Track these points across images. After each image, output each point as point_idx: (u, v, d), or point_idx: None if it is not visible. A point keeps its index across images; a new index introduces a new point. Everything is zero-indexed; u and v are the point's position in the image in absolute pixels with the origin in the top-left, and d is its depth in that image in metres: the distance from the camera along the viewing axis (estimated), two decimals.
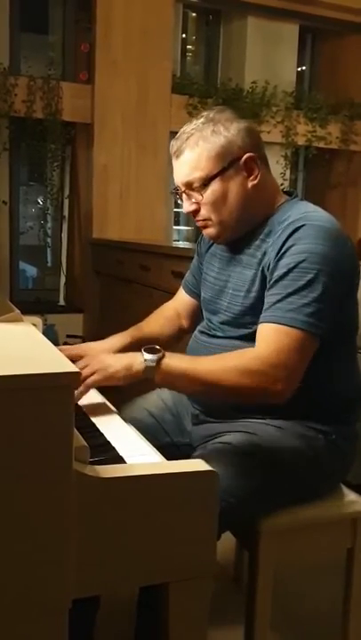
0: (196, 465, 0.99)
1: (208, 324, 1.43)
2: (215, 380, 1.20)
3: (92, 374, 1.26)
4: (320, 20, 4.48)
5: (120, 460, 1.06)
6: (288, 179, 4.47)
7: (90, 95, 3.84)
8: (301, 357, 1.19)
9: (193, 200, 1.34)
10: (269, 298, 1.24)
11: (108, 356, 1.33)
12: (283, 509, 1.28)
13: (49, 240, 4.14)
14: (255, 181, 1.32)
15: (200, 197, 1.32)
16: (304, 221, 1.25)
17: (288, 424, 1.29)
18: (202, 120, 1.32)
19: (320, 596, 1.83)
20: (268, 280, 1.26)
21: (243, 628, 1.31)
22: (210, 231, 1.37)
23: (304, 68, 4.97)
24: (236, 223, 1.34)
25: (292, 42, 4.55)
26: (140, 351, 1.24)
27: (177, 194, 1.39)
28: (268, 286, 1.26)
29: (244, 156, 1.30)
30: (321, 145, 4.54)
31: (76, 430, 0.90)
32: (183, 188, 1.35)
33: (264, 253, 1.30)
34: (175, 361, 1.23)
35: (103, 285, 3.88)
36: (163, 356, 1.23)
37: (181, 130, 1.34)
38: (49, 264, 4.38)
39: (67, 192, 4.17)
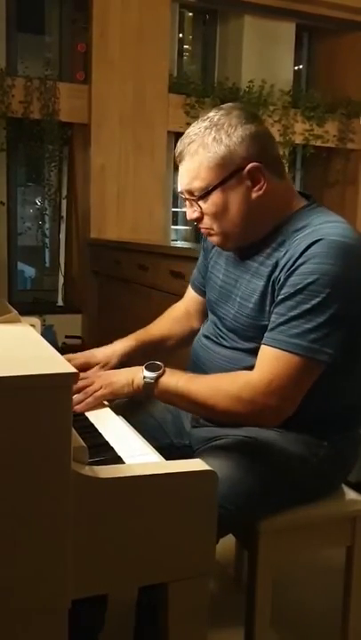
0: (195, 465, 0.99)
1: (214, 329, 1.38)
2: (207, 404, 1.21)
3: (100, 388, 1.30)
4: (317, 18, 4.49)
5: (119, 460, 1.06)
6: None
7: (87, 95, 3.84)
8: (298, 385, 1.16)
9: (195, 208, 1.28)
10: (274, 317, 1.18)
11: (113, 372, 1.36)
12: (283, 511, 1.27)
13: (47, 241, 4.14)
14: (260, 192, 1.23)
15: (200, 206, 1.26)
16: (320, 236, 1.16)
17: (290, 430, 1.26)
18: (206, 123, 1.23)
19: (320, 596, 1.83)
20: (275, 295, 1.21)
21: (243, 627, 1.31)
22: (214, 239, 1.32)
23: (301, 66, 4.98)
24: (240, 233, 1.27)
25: (289, 41, 4.56)
26: (143, 364, 1.27)
27: (183, 197, 1.33)
28: (274, 303, 1.20)
29: (248, 167, 1.21)
30: (318, 143, 4.55)
31: (74, 431, 0.90)
32: (186, 195, 1.29)
33: (276, 265, 1.22)
34: (173, 380, 1.24)
35: (101, 285, 3.88)
36: (162, 374, 1.24)
37: (186, 132, 1.26)
38: (47, 265, 4.38)
39: (64, 192, 4.17)
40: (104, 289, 3.84)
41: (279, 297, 1.19)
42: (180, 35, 4.56)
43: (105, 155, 3.86)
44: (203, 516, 0.96)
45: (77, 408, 1.28)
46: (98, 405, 1.34)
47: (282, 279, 1.19)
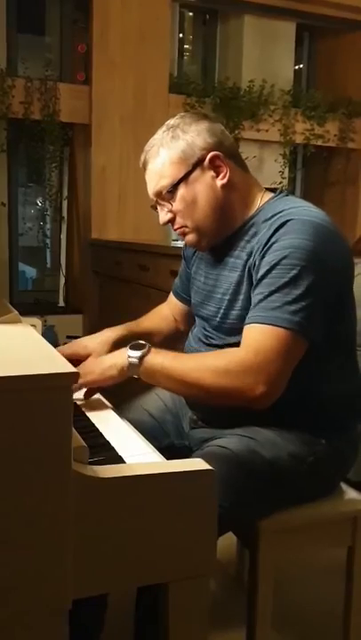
0: (196, 464, 0.99)
1: (203, 331, 1.40)
2: (192, 379, 1.19)
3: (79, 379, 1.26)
4: (317, 18, 4.48)
5: (119, 460, 1.06)
6: (287, 177, 4.47)
7: (87, 96, 3.84)
8: (285, 359, 1.15)
9: (166, 210, 1.32)
10: (254, 298, 1.20)
11: (94, 360, 1.35)
12: (282, 510, 1.27)
13: (48, 241, 4.14)
14: (224, 180, 1.28)
15: (171, 205, 1.31)
16: (290, 216, 1.20)
17: (288, 429, 1.27)
18: (163, 129, 1.31)
19: (321, 595, 1.83)
20: (253, 280, 1.23)
21: (244, 627, 1.31)
22: (189, 238, 1.34)
23: (301, 66, 4.97)
24: (213, 226, 1.31)
25: (290, 40, 4.55)
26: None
27: (155, 208, 1.37)
28: (253, 286, 1.22)
29: (208, 156, 1.27)
30: (319, 143, 4.54)
31: (74, 430, 0.90)
32: (156, 199, 1.34)
33: (250, 253, 1.25)
34: (158, 358, 1.23)
35: (102, 286, 3.88)
36: (147, 352, 1.23)
37: (148, 143, 1.33)
38: (48, 265, 4.38)
39: (65, 193, 4.17)
40: (105, 289, 3.84)
41: (257, 279, 1.21)
42: (181, 35, 4.56)
43: (106, 155, 3.86)
44: (203, 515, 0.96)
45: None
46: (98, 406, 1.34)
47: (257, 262, 1.22)
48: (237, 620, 1.42)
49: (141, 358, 1.23)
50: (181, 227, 1.33)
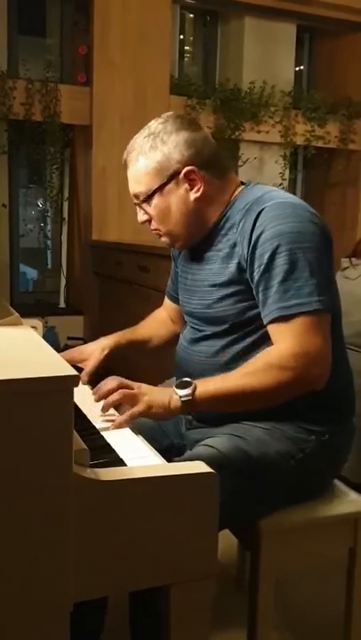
0: (197, 467, 0.99)
1: (193, 328, 1.42)
2: (255, 388, 1.19)
3: (137, 404, 1.24)
4: (317, 19, 4.48)
5: (120, 462, 1.06)
6: (287, 178, 4.47)
7: (88, 97, 3.84)
8: (322, 337, 1.19)
9: (143, 211, 1.37)
10: (263, 294, 1.23)
11: (155, 389, 1.29)
12: (277, 510, 1.27)
13: (49, 242, 4.15)
14: (198, 194, 1.31)
15: (146, 210, 1.36)
16: (262, 204, 1.24)
17: (278, 426, 1.28)
18: (145, 133, 1.33)
19: (322, 597, 1.83)
20: (248, 275, 1.25)
21: (245, 628, 1.31)
22: (164, 240, 1.41)
23: (302, 67, 4.97)
24: (185, 232, 1.36)
25: (290, 41, 4.55)
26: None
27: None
28: (253, 283, 1.25)
29: (183, 170, 1.30)
30: (320, 144, 4.54)
31: (75, 433, 0.90)
32: (134, 200, 1.38)
33: (233, 245, 1.29)
34: (209, 386, 1.22)
35: (103, 287, 3.88)
36: (195, 387, 1.22)
37: (131, 141, 1.35)
38: (49, 266, 4.39)
39: (66, 194, 4.17)
40: (105, 290, 3.84)
41: (255, 274, 1.23)
42: (181, 36, 4.56)
43: (106, 156, 3.86)
44: (204, 517, 0.96)
45: (113, 425, 1.23)
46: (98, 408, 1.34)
47: (248, 258, 1.24)
48: (238, 621, 1.42)
49: (193, 394, 1.21)
50: (156, 229, 1.39)
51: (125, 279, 3.42)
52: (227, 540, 1.26)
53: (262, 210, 1.24)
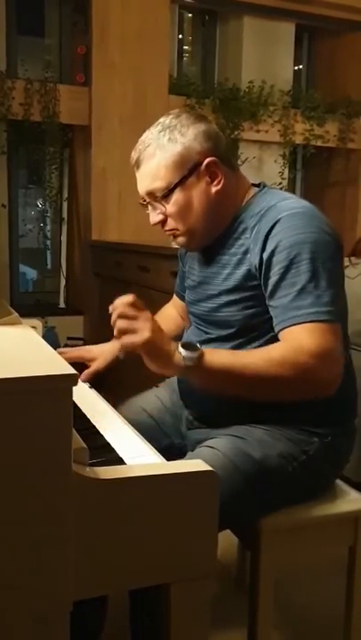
0: (196, 465, 0.99)
1: (198, 329, 1.40)
2: (260, 374, 1.13)
3: (137, 334, 1.12)
4: (316, 18, 4.48)
5: (120, 461, 1.06)
6: (286, 178, 4.47)
7: (87, 97, 3.84)
8: (338, 344, 1.17)
9: (158, 211, 1.32)
10: (279, 301, 1.19)
11: (160, 336, 1.15)
12: (278, 510, 1.27)
13: (48, 242, 4.14)
14: (219, 186, 1.28)
15: (164, 208, 1.30)
16: (279, 213, 1.22)
17: (281, 428, 1.27)
18: (158, 128, 1.30)
19: (323, 596, 1.83)
20: (262, 283, 1.23)
21: (245, 628, 1.31)
22: (180, 240, 1.35)
23: (301, 66, 4.97)
24: (204, 230, 1.31)
25: (289, 41, 4.55)
26: (177, 347, 1.13)
27: (143, 205, 1.36)
28: (268, 291, 1.22)
29: (205, 161, 1.26)
30: (319, 143, 4.54)
31: (75, 432, 0.90)
32: (147, 199, 1.33)
33: (245, 251, 1.26)
34: (217, 358, 1.14)
35: (103, 287, 3.88)
36: (202, 355, 1.13)
37: (140, 139, 1.32)
38: (49, 266, 4.38)
39: (65, 194, 4.17)
40: (105, 290, 3.84)
41: (271, 283, 1.20)
42: (180, 36, 4.56)
43: (106, 156, 3.86)
44: (204, 516, 0.96)
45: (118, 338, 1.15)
46: (98, 407, 1.33)
47: (263, 267, 1.21)
48: (238, 620, 1.42)
49: (199, 359, 1.12)
50: (172, 229, 1.33)
51: (125, 279, 3.42)
52: (227, 540, 1.26)
53: (279, 219, 1.21)
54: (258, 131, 4.28)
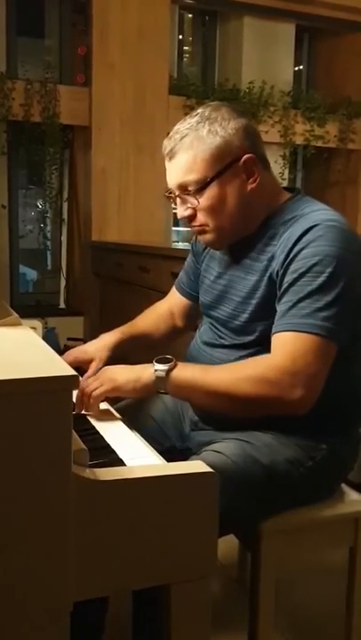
0: (196, 467, 0.98)
1: (212, 331, 1.37)
2: (228, 391, 1.15)
3: (100, 386, 1.26)
4: (316, 19, 4.49)
5: (120, 462, 1.06)
6: (287, 178, 4.48)
7: (87, 98, 3.85)
8: (320, 364, 1.13)
9: (188, 205, 1.26)
10: (282, 306, 1.17)
11: (119, 367, 1.30)
12: (280, 514, 1.27)
13: (48, 243, 4.15)
14: (254, 185, 1.24)
15: (196, 202, 1.24)
16: (313, 222, 1.17)
17: (287, 432, 1.25)
18: (197, 118, 1.23)
19: (323, 597, 1.82)
20: (277, 286, 1.20)
21: (246, 629, 1.31)
22: (207, 237, 1.30)
23: (301, 67, 4.98)
24: (234, 228, 1.27)
25: (289, 41, 4.56)
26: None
27: (170, 197, 1.30)
28: (278, 294, 1.19)
29: (243, 158, 1.22)
30: (319, 144, 4.55)
31: (75, 433, 0.90)
32: (177, 192, 1.27)
33: (271, 258, 1.22)
34: (186, 371, 1.19)
35: (103, 288, 3.88)
36: (173, 367, 1.19)
37: (174, 129, 1.25)
38: (49, 267, 4.39)
39: (65, 195, 4.18)
40: (106, 291, 3.84)
41: (283, 286, 1.18)
42: (180, 36, 4.57)
43: (106, 157, 3.87)
44: (204, 517, 0.96)
45: (77, 410, 1.27)
46: (98, 406, 1.33)
47: (281, 271, 1.19)
48: (239, 621, 1.42)
49: (169, 372, 1.19)
50: (201, 225, 1.28)
51: (125, 280, 3.42)
52: (227, 541, 1.26)
53: (311, 228, 1.16)
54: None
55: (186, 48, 4.67)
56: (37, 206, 4.24)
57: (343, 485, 1.40)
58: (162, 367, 1.19)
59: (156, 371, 1.19)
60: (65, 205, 4.19)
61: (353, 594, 1.38)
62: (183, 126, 1.24)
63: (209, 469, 0.97)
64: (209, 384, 1.17)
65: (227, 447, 1.21)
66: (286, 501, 1.26)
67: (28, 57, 3.94)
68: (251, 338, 1.26)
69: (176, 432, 1.45)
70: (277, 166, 4.41)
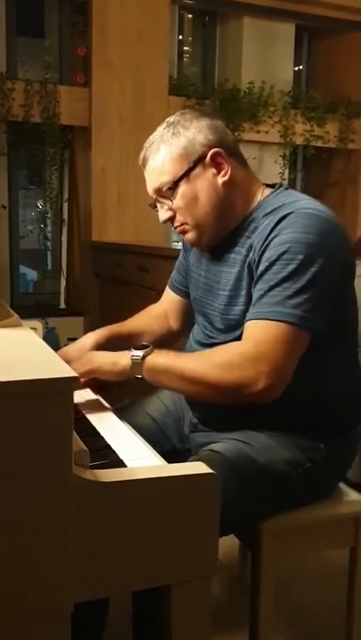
0: (196, 468, 0.99)
1: (204, 330, 1.39)
2: (195, 376, 1.19)
3: (80, 367, 1.30)
4: (316, 19, 4.48)
5: (121, 463, 1.06)
6: (287, 178, 4.47)
7: (87, 98, 3.84)
8: (288, 352, 1.14)
9: (166, 207, 1.31)
10: (255, 294, 1.20)
11: (100, 352, 1.37)
12: (280, 513, 1.27)
13: (49, 243, 4.14)
14: (225, 177, 1.27)
15: (171, 202, 1.29)
16: (290, 209, 1.19)
17: (286, 433, 1.26)
18: (163, 126, 1.30)
19: (324, 597, 1.82)
20: (253, 275, 1.22)
21: (247, 629, 1.31)
22: (189, 236, 1.33)
23: (301, 67, 4.97)
24: (213, 223, 1.29)
25: (289, 41, 4.55)
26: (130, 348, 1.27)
27: (154, 206, 1.36)
28: (254, 282, 1.22)
29: (210, 152, 1.26)
30: (319, 144, 4.54)
31: (75, 434, 0.90)
32: (155, 197, 1.33)
33: (250, 248, 1.25)
34: (160, 357, 1.23)
35: (103, 288, 3.88)
36: (149, 352, 1.24)
37: (146, 141, 1.32)
38: (49, 267, 4.39)
39: (66, 195, 4.18)
40: (106, 291, 3.84)
41: (257, 275, 1.20)
42: (180, 36, 4.56)
43: (106, 157, 3.87)
44: (204, 518, 0.96)
45: None
46: (99, 409, 1.33)
47: (256, 258, 1.21)
48: (240, 621, 1.42)
49: (144, 357, 1.23)
50: (182, 224, 1.32)
51: (125, 280, 3.42)
52: (228, 541, 1.26)
53: (287, 215, 1.19)
54: (258, 131, 4.29)
55: (186, 48, 4.67)
56: (37, 207, 4.24)
57: (343, 485, 1.41)
58: (138, 353, 1.24)
59: (132, 356, 1.24)
60: (65, 206, 4.18)
61: (354, 594, 1.38)
62: (153, 136, 1.31)
63: (210, 470, 0.97)
64: (180, 370, 1.21)
65: (224, 447, 1.22)
66: (285, 502, 1.26)
67: (27, 57, 3.94)
68: (236, 333, 1.27)
69: (176, 434, 1.45)
70: (277, 166, 4.40)
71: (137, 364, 1.24)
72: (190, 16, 4.63)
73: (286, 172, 4.47)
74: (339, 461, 1.32)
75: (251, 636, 1.30)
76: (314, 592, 1.86)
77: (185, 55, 4.67)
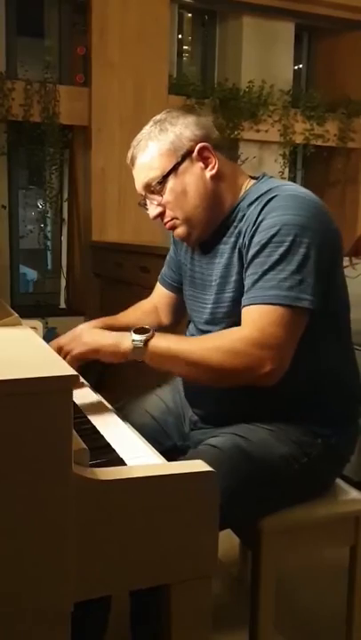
0: (196, 466, 0.99)
1: (196, 323, 1.40)
2: (199, 360, 1.19)
3: (79, 347, 1.28)
4: (316, 18, 4.48)
5: (121, 462, 1.06)
6: (286, 177, 4.47)
7: (87, 98, 3.84)
8: (289, 334, 1.16)
9: (156, 203, 1.33)
10: (248, 279, 1.21)
11: (98, 331, 1.34)
12: (278, 510, 1.27)
13: (49, 243, 4.14)
14: (213, 171, 1.29)
15: (160, 198, 1.31)
16: (275, 192, 1.22)
17: (284, 428, 1.26)
18: (150, 124, 1.32)
19: (324, 596, 1.82)
20: (244, 260, 1.24)
21: (247, 628, 1.31)
22: (179, 232, 1.34)
23: (301, 66, 4.97)
24: (202, 217, 1.31)
25: (288, 40, 4.55)
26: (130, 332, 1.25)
27: (144, 205, 1.37)
28: (245, 267, 1.23)
29: (197, 147, 1.28)
30: (319, 143, 4.54)
31: (75, 433, 0.90)
32: (144, 193, 1.34)
33: (238, 234, 1.27)
34: (163, 341, 1.23)
35: (103, 288, 3.88)
36: (151, 336, 1.23)
37: (133, 140, 1.34)
38: (49, 267, 4.38)
39: (66, 195, 4.17)
40: (106, 291, 3.84)
41: (248, 260, 1.22)
42: (180, 36, 4.56)
43: (105, 157, 3.87)
44: (204, 516, 0.96)
45: None
46: (99, 408, 1.33)
47: (246, 243, 1.23)
48: (240, 620, 1.42)
49: (146, 342, 1.22)
50: (172, 219, 1.33)
51: (126, 280, 3.42)
52: (228, 540, 1.26)
53: (272, 198, 1.21)
54: (258, 130, 4.29)
55: (185, 47, 4.67)
56: (37, 206, 4.24)
57: (344, 484, 1.41)
58: (139, 337, 1.23)
59: (133, 341, 1.23)
60: (65, 205, 4.18)
61: (354, 593, 1.38)
62: (140, 134, 1.33)
63: (210, 468, 0.97)
64: (183, 354, 1.20)
65: (220, 441, 1.23)
66: (281, 497, 1.26)
67: (27, 57, 3.94)
68: (235, 319, 1.26)
69: (177, 431, 1.45)
70: (277, 165, 4.40)
71: (139, 349, 1.22)
72: (190, 15, 4.63)
73: (286, 170, 4.47)
74: (336, 456, 1.32)
75: (251, 635, 1.30)
76: (314, 592, 1.86)
77: (184, 54, 4.66)
